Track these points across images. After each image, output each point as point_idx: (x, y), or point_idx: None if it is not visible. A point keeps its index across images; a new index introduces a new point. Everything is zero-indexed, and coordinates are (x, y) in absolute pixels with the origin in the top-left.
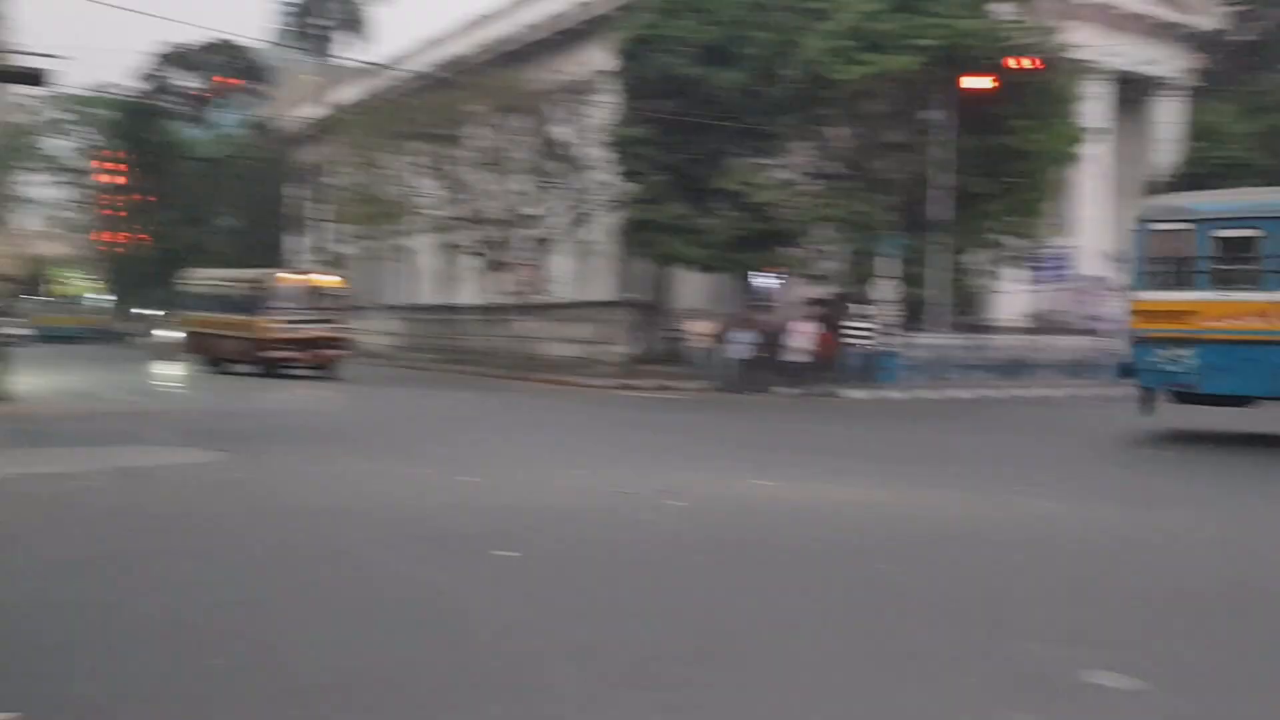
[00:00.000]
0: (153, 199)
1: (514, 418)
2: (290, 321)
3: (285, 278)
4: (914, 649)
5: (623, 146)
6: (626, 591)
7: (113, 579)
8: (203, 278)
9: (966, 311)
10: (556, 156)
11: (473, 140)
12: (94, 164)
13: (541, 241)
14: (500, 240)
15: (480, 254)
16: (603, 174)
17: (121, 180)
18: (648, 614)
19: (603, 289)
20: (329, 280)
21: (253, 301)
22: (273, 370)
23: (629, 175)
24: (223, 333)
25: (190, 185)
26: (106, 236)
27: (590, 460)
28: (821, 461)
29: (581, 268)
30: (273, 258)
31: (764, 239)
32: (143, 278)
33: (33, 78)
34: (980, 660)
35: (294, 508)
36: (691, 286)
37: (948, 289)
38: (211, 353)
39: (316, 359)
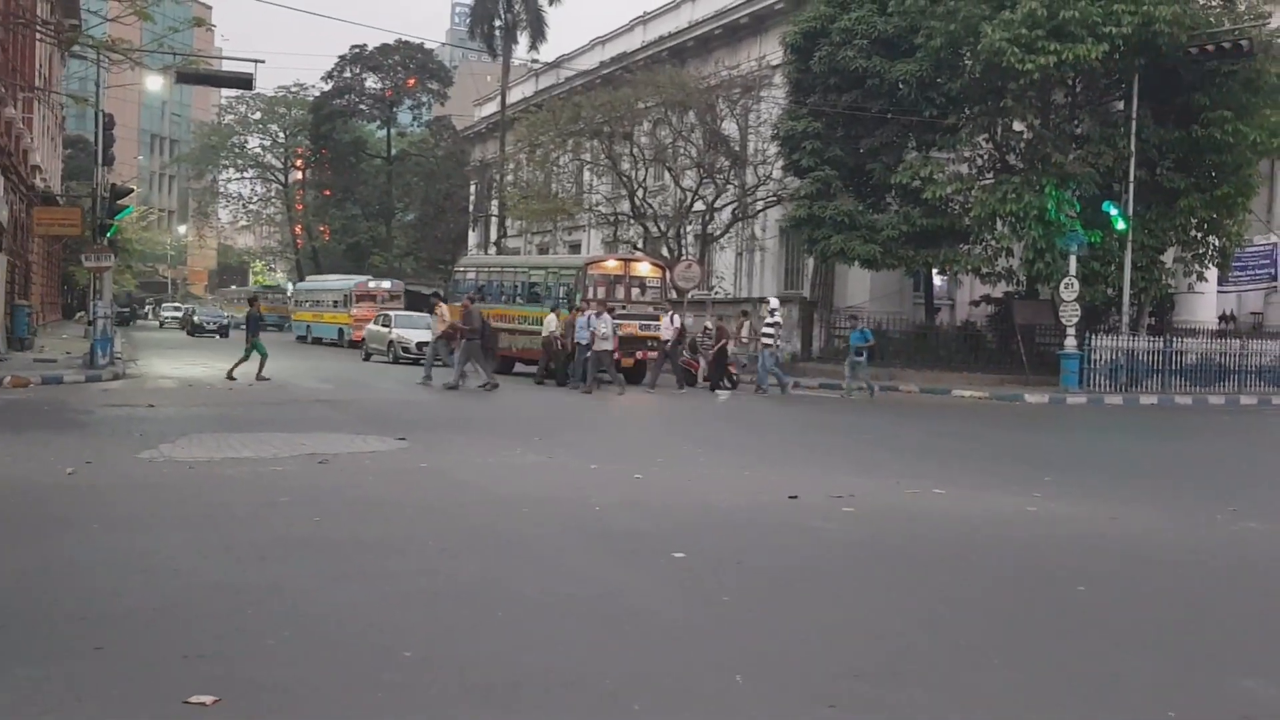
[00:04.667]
0: (336, 194)
1: (677, 415)
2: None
3: (599, 264)
4: (1114, 680)
5: (791, 141)
6: (804, 600)
7: (303, 566)
8: (485, 262)
9: (1157, 313)
10: (724, 152)
11: (641, 136)
12: (291, 163)
13: (708, 237)
14: (666, 236)
15: (646, 248)
16: (770, 169)
17: (310, 176)
18: (829, 627)
19: (769, 286)
20: (648, 268)
21: (552, 292)
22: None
23: (797, 170)
24: (510, 328)
25: (373, 181)
26: (298, 230)
27: (756, 461)
28: (1000, 470)
29: (748, 264)
30: (451, 251)
31: (938, 235)
32: (331, 269)
33: (244, 81)
34: (1188, 695)
35: (478, 498)
36: (859, 284)
37: (1137, 289)
38: (493, 352)
39: (630, 362)
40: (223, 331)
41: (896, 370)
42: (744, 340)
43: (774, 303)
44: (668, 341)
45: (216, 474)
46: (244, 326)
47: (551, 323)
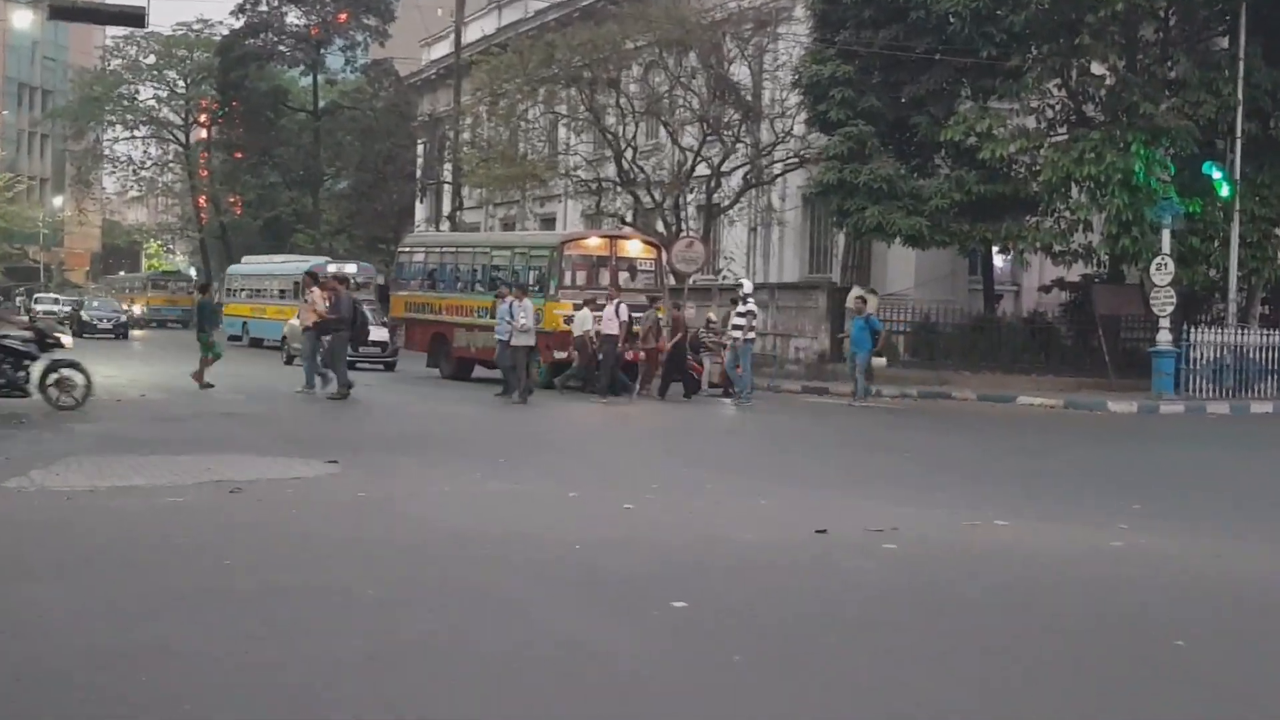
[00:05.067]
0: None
1: (680, 428)
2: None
3: (577, 241)
4: None
5: (816, 88)
6: (833, 662)
7: (205, 623)
8: (436, 241)
9: (1272, 300)
10: (733, 103)
11: (630, 84)
12: (193, 119)
13: (714, 209)
14: (663, 207)
15: (637, 223)
16: (790, 124)
17: (217, 135)
18: (864, 695)
19: (789, 268)
20: (640, 246)
21: (520, 277)
22: (550, 380)
23: (824, 125)
24: (469, 322)
25: (295, 141)
26: (202, 202)
27: (774, 486)
28: (1077, 496)
29: (763, 242)
30: (394, 228)
31: (998, 205)
32: (244, 250)
33: (134, 18)
34: None
35: (429, 535)
36: (902, 266)
37: (1246, 270)
38: (447, 352)
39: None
40: (121, 331)
41: (948, 373)
42: (716, 334)
43: (747, 285)
44: (613, 337)
45: (101, 507)
46: (194, 320)
47: (585, 320)
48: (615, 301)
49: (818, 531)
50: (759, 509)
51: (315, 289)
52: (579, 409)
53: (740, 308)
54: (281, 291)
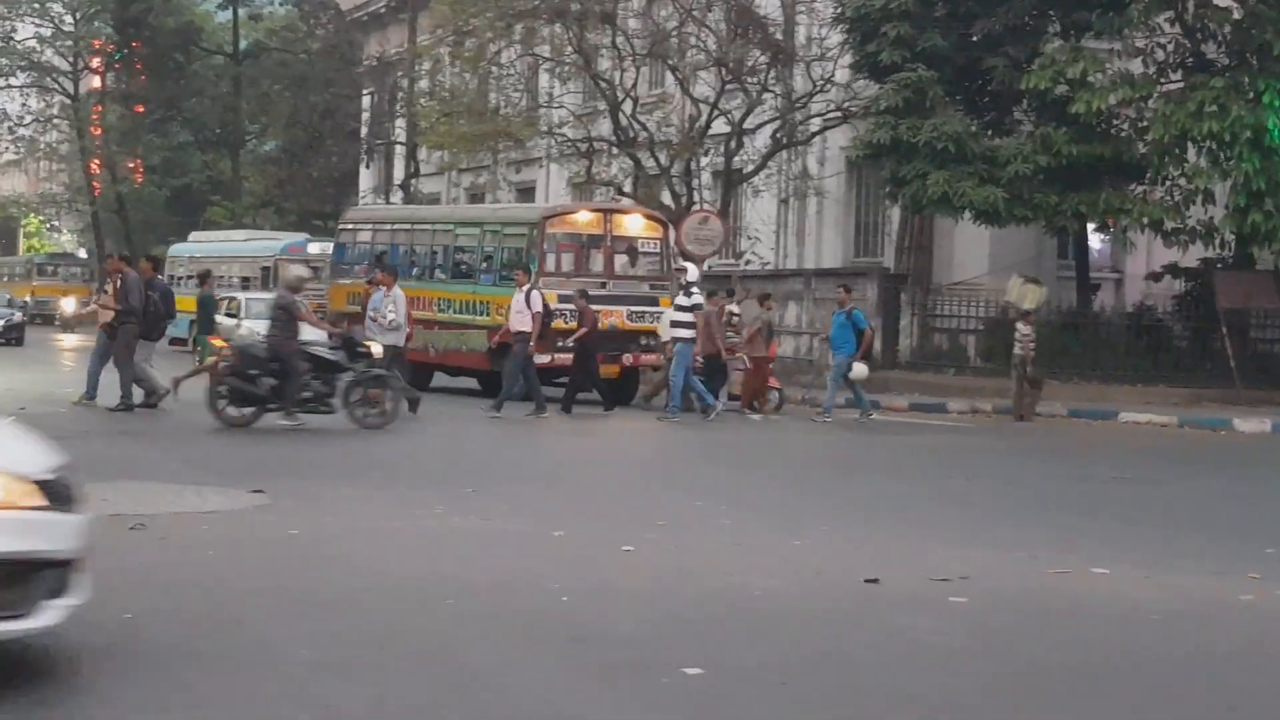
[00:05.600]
0: (154, 112)
1: (690, 449)
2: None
3: (563, 217)
4: None
5: (865, 24)
6: None
7: (100, 695)
8: (386, 216)
9: None
10: (759, 42)
11: (629, 18)
12: (84, 63)
13: (734, 176)
14: (670, 173)
15: (638, 194)
16: (831, 68)
17: (114, 84)
18: None
19: (830, 251)
20: (641, 223)
21: (493, 261)
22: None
23: (874, 70)
24: (427, 318)
25: (211, 91)
26: (95, 167)
27: (811, 523)
28: (1195, 538)
29: (797, 217)
30: (334, 200)
31: (1095, 171)
32: (144, 227)
33: None
34: None
35: (376, 583)
36: (973, 247)
37: None
38: (400, 355)
39: (616, 370)
40: (13, 335)
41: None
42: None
43: (691, 272)
44: (525, 334)
45: None
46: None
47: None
48: (525, 289)
49: (867, 581)
50: (791, 552)
51: (127, 270)
52: (563, 428)
53: (682, 299)
54: (245, 279)
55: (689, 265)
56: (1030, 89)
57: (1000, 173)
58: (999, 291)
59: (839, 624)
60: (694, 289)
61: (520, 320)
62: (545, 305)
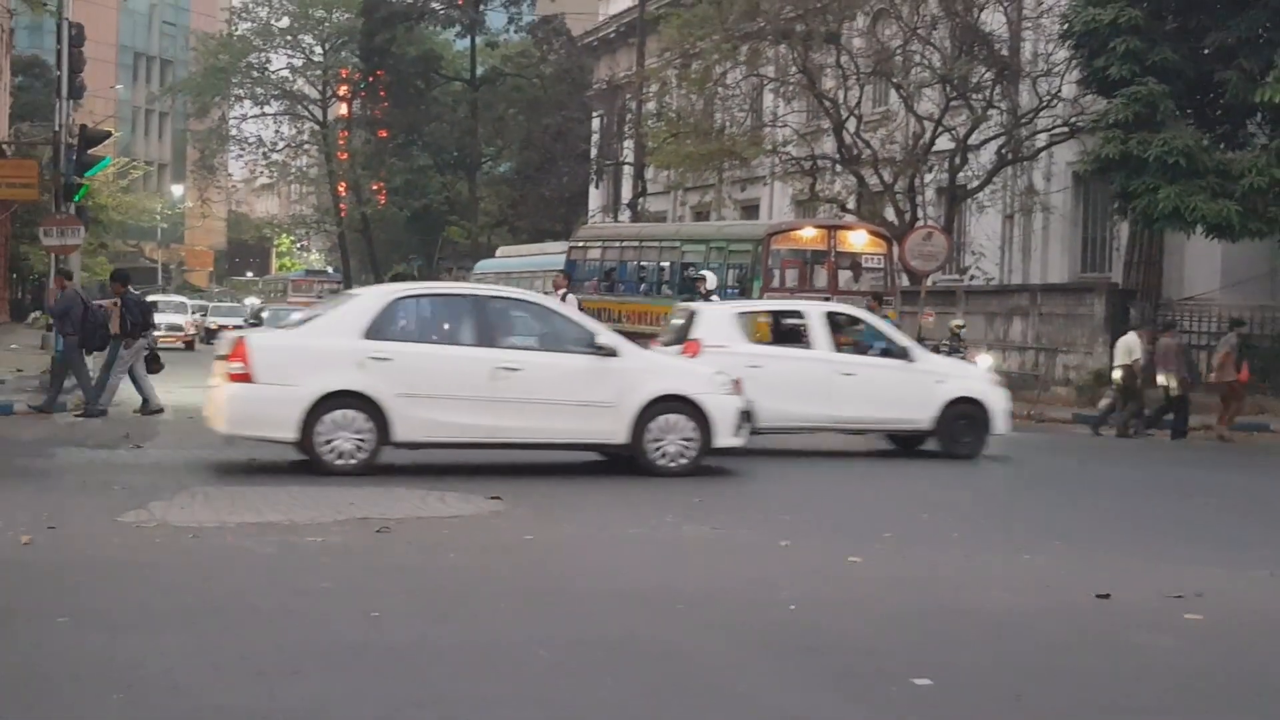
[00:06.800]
0: (396, 136)
1: (912, 461)
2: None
3: (788, 233)
4: None
5: (1092, 38)
6: None
7: (354, 685)
8: (615, 234)
9: None
10: (984, 59)
11: (854, 38)
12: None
13: (958, 192)
14: (893, 190)
15: (861, 210)
16: (1058, 84)
17: (360, 110)
18: None
19: (1056, 266)
20: (865, 238)
21: (717, 277)
22: None
23: (1102, 85)
24: (656, 331)
25: (450, 116)
26: (342, 189)
27: (1041, 538)
28: None
29: (1022, 233)
30: (565, 218)
31: None
32: (387, 246)
33: None
34: None
35: (609, 589)
36: (1204, 262)
37: None
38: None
39: None
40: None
41: (1266, 399)
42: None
43: (710, 280)
44: None
45: (230, 546)
46: None
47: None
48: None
49: (1098, 596)
50: (1021, 566)
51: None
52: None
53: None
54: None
55: (706, 273)
56: (1265, 101)
57: (1234, 186)
58: (1231, 307)
59: (1069, 638)
60: (714, 297)
61: None
62: None
